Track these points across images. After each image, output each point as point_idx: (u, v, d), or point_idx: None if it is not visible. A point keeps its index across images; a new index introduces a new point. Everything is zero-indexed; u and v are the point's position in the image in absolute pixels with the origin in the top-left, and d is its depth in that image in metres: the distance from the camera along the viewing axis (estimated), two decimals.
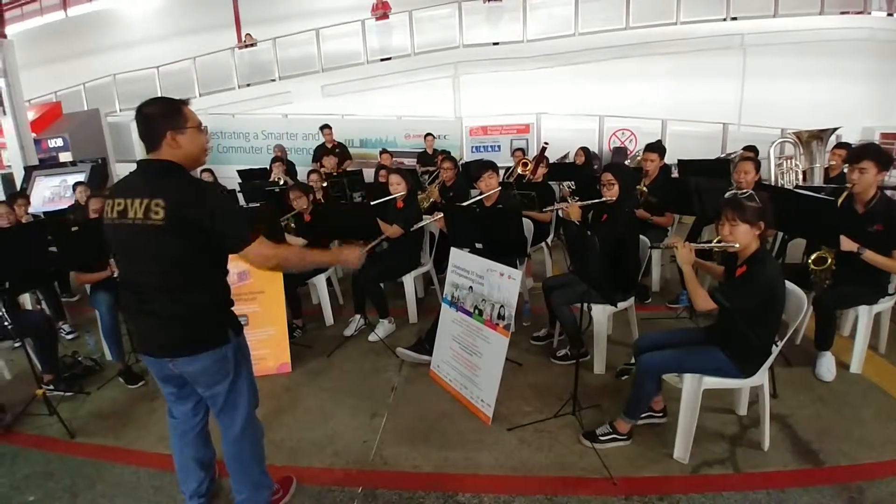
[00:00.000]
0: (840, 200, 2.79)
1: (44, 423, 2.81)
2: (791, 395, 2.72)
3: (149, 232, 1.56)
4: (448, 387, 2.91)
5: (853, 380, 2.87)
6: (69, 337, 4.06)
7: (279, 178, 6.36)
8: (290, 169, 7.39)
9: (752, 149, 5.56)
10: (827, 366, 2.88)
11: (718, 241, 2.25)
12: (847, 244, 2.68)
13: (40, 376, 3.05)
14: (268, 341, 3.32)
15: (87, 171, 7.82)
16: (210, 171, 6.86)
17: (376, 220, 3.62)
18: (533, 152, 8.46)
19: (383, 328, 3.70)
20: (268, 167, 7.01)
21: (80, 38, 13.31)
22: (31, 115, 8.43)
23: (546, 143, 5.79)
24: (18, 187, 7.41)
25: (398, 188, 3.72)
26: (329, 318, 4.03)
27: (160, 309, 1.65)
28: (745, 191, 2.23)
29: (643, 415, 2.43)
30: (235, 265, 3.34)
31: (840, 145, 4.58)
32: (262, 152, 9.08)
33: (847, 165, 2.85)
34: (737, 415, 2.58)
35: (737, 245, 2.15)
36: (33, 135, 8.08)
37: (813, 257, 2.92)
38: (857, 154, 2.77)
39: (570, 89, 9.36)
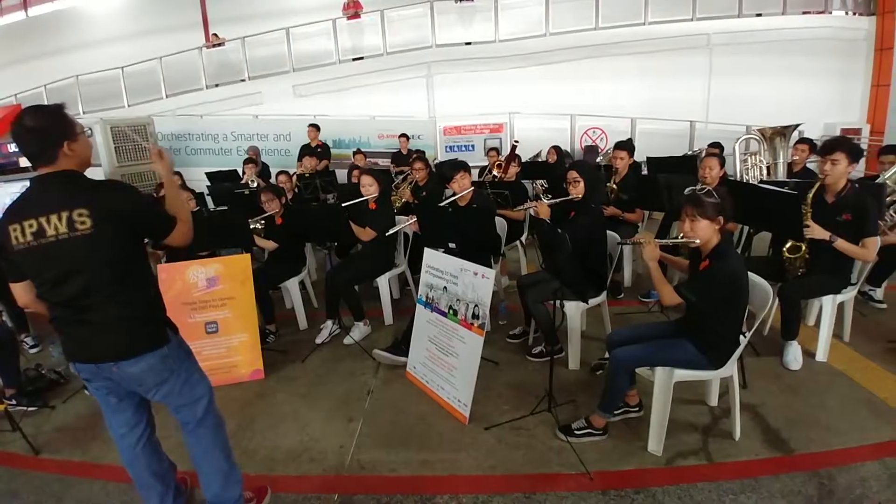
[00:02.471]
0: (813, 192, 2.86)
1: (6, 439, 2.68)
2: (760, 385, 2.79)
3: (79, 242, 1.54)
4: (425, 388, 2.89)
5: (819, 368, 2.96)
6: (33, 350, 3.88)
7: (251, 181, 6.23)
8: (264, 171, 7.26)
9: (717, 145, 5.73)
10: (794, 355, 2.97)
11: (681, 237, 2.29)
12: (819, 233, 2.77)
13: (2, 391, 2.94)
14: (239, 348, 3.24)
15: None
16: (179, 173, 6.65)
17: (348, 223, 3.56)
18: (506, 151, 8.52)
19: (359, 331, 3.65)
20: (239, 169, 6.86)
21: (41, 39, 12.74)
22: None
23: (516, 142, 5.82)
24: None
25: (370, 189, 3.67)
26: (303, 321, 3.95)
27: (101, 316, 1.63)
28: (703, 187, 2.27)
29: (618, 409, 2.46)
30: (205, 270, 3.28)
31: (802, 141, 4.74)
32: (231, 154, 8.88)
33: (819, 157, 2.93)
34: (708, 405, 2.64)
35: (698, 241, 2.19)
36: None
37: (787, 245, 3.00)
38: (830, 146, 2.85)
39: (542, 88, 9.44)
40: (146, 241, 1.87)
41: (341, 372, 3.23)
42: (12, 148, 8.23)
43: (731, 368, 2.29)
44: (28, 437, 2.62)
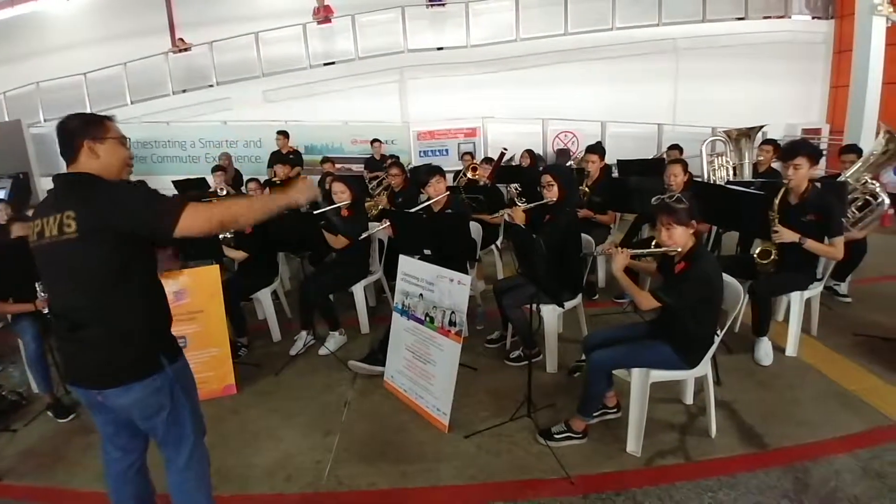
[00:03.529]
0: (779, 196, 2.93)
1: None
2: (733, 382, 2.84)
3: (66, 248, 1.45)
4: (404, 397, 2.84)
5: (790, 363, 3.04)
6: None
7: (220, 189, 6.06)
8: (237, 178, 7.09)
9: (676, 147, 5.86)
10: (765, 350, 3.04)
11: (656, 245, 2.32)
12: (788, 236, 2.84)
13: None
14: (210, 363, 3.13)
15: (7, 186, 7.18)
16: (143, 182, 6.44)
17: (321, 231, 3.49)
18: (481, 156, 8.55)
19: (334, 341, 3.57)
20: (207, 177, 6.67)
21: (0, 45, 12.22)
22: None
23: (505, 149, 5.85)
24: None
25: (342, 196, 3.61)
26: (276, 333, 3.84)
27: (89, 334, 1.51)
28: (671, 194, 2.31)
29: (597, 412, 2.46)
30: (172, 283, 3.15)
31: (767, 142, 4.89)
32: (200, 161, 8.66)
33: (781, 163, 3.01)
34: (684, 404, 2.67)
35: (678, 248, 2.22)
36: None
37: (757, 251, 3.07)
38: (791, 151, 2.94)
39: (514, 93, 9.52)
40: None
41: (317, 384, 3.15)
42: None
43: (705, 367, 2.32)
44: None
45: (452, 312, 2.56)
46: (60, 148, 1.56)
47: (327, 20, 9.75)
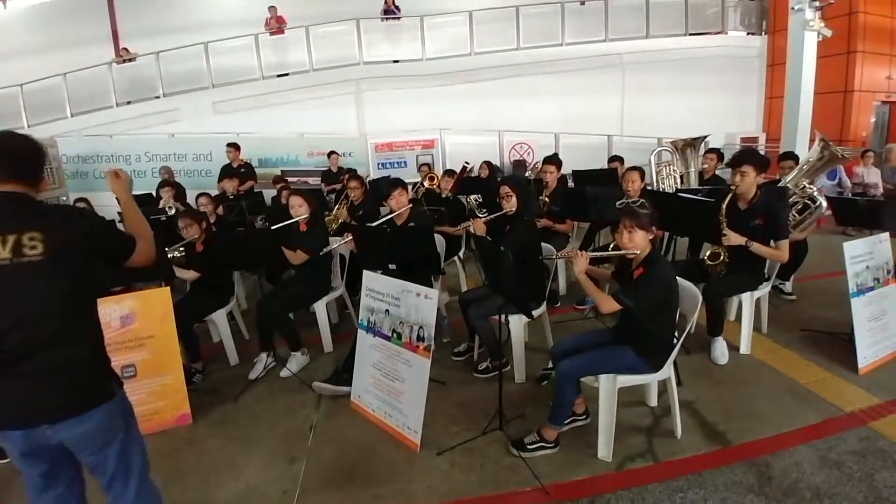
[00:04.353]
0: (726, 202, 3.07)
1: None
2: (694, 382, 2.94)
3: (25, 271, 1.35)
4: (372, 416, 2.76)
5: (744, 360, 3.18)
6: None
7: (169, 206, 5.77)
8: (178, 192, 6.76)
9: (617, 158, 6.11)
10: (720, 350, 3.17)
11: (614, 248, 2.38)
12: (736, 239, 2.98)
13: None
14: (162, 391, 2.92)
15: None
16: (85, 199, 6.06)
17: (279, 247, 3.37)
18: (439, 167, 8.59)
19: (296, 361, 3.44)
20: (154, 193, 6.35)
21: None
22: None
23: (467, 163, 5.90)
24: None
25: (300, 210, 3.51)
26: (234, 356, 3.65)
27: (36, 367, 1.39)
28: (636, 199, 2.39)
29: (567, 420, 2.47)
30: (118, 307, 2.95)
31: (711, 150, 5.15)
32: (146, 176, 8.22)
33: (731, 170, 3.16)
34: (649, 406, 2.73)
35: (637, 251, 2.29)
36: None
37: (707, 254, 3.20)
38: (738, 160, 3.09)
39: (470, 105, 9.69)
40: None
41: (279, 408, 3.00)
42: None
43: (668, 370, 2.38)
44: None
45: (420, 327, 2.51)
46: (26, 164, 1.49)
47: (280, 31, 9.59)
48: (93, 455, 1.53)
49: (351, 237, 3.36)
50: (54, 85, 9.07)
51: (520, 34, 9.73)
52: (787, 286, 4.14)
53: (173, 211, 5.50)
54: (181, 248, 3.64)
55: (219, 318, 3.63)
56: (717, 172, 4.94)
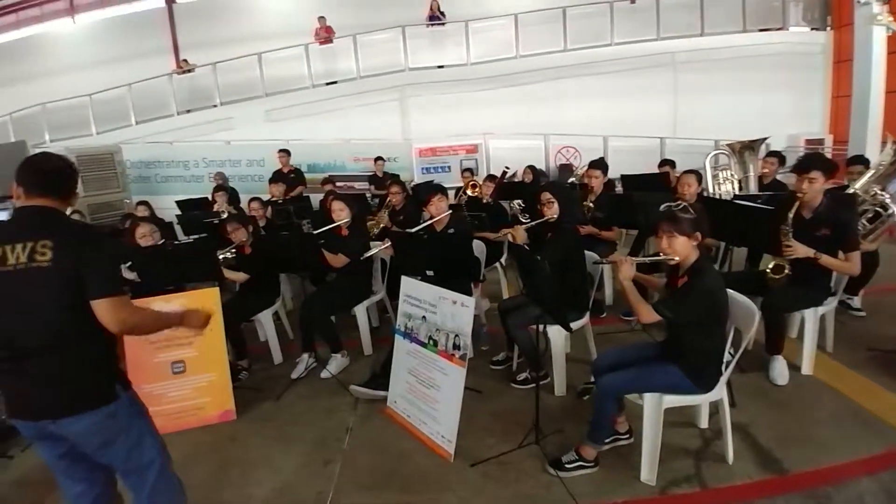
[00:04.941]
0: (792, 211, 2.86)
1: None
2: (748, 403, 2.74)
3: (35, 276, 1.46)
4: (406, 423, 2.75)
5: (805, 381, 2.94)
6: None
7: (222, 210, 6.04)
8: (232, 196, 7.07)
9: (668, 162, 5.82)
10: (779, 370, 2.94)
11: (657, 255, 2.25)
12: (803, 251, 2.76)
13: None
14: (207, 388, 3.04)
15: (9, 208, 7.17)
16: (146, 202, 6.44)
17: (320, 251, 3.44)
18: (482, 172, 8.55)
19: (336, 363, 3.49)
20: (209, 196, 6.67)
21: (7, 66, 12.33)
22: None
23: (507, 168, 5.83)
24: None
25: (341, 215, 3.57)
26: (278, 355, 3.76)
27: (41, 369, 1.50)
28: (679, 203, 2.25)
29: (608, 438, 2.37)
30: (169, 305, 3.09)
31: (771, 153, 4.85)
32: (203, 181, 8.69)
33: (795, 176, 2.94)
34: (698, 428, 2.57)
35: (676, 258, 2.16)
36: None
37: (771, 266, 2.99)
38: (806, 164, 2.87)
39: (515, 109, 9.58)
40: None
41: (318, 409, 3.06)
42: None
43: (720, 391, 2.23)
44: None
45: (456, 336, 2.48)
46: (56, 182, 1.59)
47: (328, 40, 9.87)
48: (96, 450, 1.60)
49: (388, 244, 3.38)
50: (120, 95, 9.75)
51: (566, 35, 9.54)
52: (856, 301, 3.80)
53: (226, 214, 5.75)
54: (232, 251, 3.79)
55: (264, 318, 3.75)
56: (778, 177, 4.63)
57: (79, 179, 1.69)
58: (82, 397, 1.54)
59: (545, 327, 2.69)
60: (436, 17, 9.79)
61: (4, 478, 2.62)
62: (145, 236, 3.69)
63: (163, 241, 3.65)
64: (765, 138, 5.06)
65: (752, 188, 4.76)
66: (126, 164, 8.35)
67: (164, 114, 9.83)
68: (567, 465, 2.29)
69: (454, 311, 2.51)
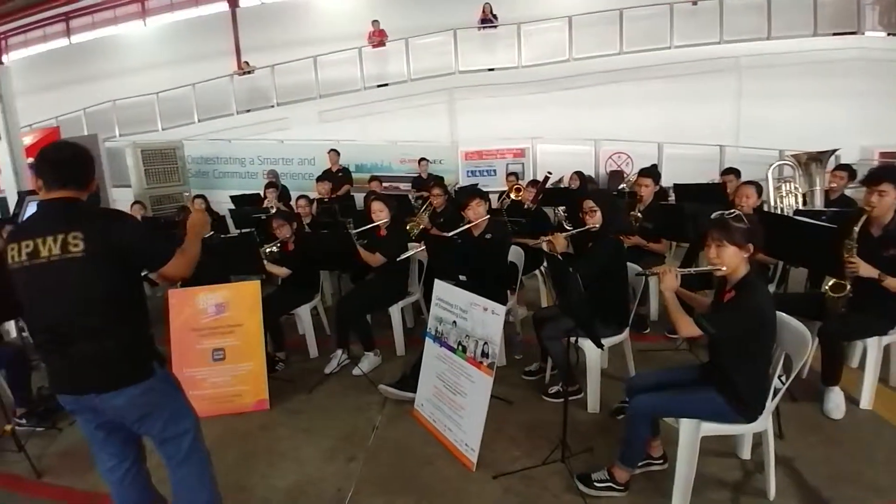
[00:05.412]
0: (858, 225, 2.63)
1: (11, 459, 2.65)
2: (798, 435, 2.53)
3: (69, 266, 1.55)
4: (432, 427, 2.73)
5: (863, 416, 2.69)
6: None
7: (271, 206, 6.28)
8: (283, 194, 7.33)
9: (733, 171, 5.42)
10: (835, 402, 2.70)
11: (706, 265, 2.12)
12: (866, 270, 2.53)
13: (11, 410, 2.93)
14: (245, 377, 3.16)
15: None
16: (203, 196, 6.80)
17: (356, 250, 3.48)
18: (529, 176, 8.42)
19: (368, 361, 3.53)
20: (261, 193, 6.95)
21: (82, 65, 13.48)
22: (28, 141, 8.41)
23: (549, 173, 5.71)
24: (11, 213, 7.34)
25: (380, 215, 3.61)
26: (314, 349, 3.86)
27: (84, 350, 1.60)
28: (731, 211, 2.09)
29: (641, 462, 2.25)
30: (213, 296, 3.24)
31: (840, 167, 4.48)
32: (257, 178, 9.05)
33: (865, 189, 2.71)
34: (739, 458, 2.40)
35: (724, 268, 2.02)
36: (30, 160, 8.05)
37: (830, 283, 2.76)
38: (877, 176, 2.64)
39: (565, 113, 9.36)
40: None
41: (347, 405, 3.11)
42: None
43: (765, 422, 2.07)
44: (32, 460, 2.59)
45: (485, 343, 2.45)
46: (71, 173, 1.65)
47: (381, 44, 10.06)
48: (135, 422, 1.71)
49: (422, 247, 3.38)
50: (184, 94, 10.36)
51: (623, 37, 9.24)
52: None
53: (274, 210, 5.97)
54: (277, 246, 3.93)
55: (303, 312, 3.86)
56: (847, 192, 4.27)
57: (93, 165, 1.73)
58: (123, 374, 1.64)
59: (577, 340, 2.60)
60: (488, 20, 9.76)
61: (53, 449, 2.82)
62: None
63: (211, 233, 3.81)
64: (834, 150, 4.67)
65: (818, 203, 4.41)
66: (187, 159, 8.84)
67: (224, 112, 10.35)
68: (596, 483, 2.20)
69: (485, 318, 2.47)
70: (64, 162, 1.65)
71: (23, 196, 7.66)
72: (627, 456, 2.17)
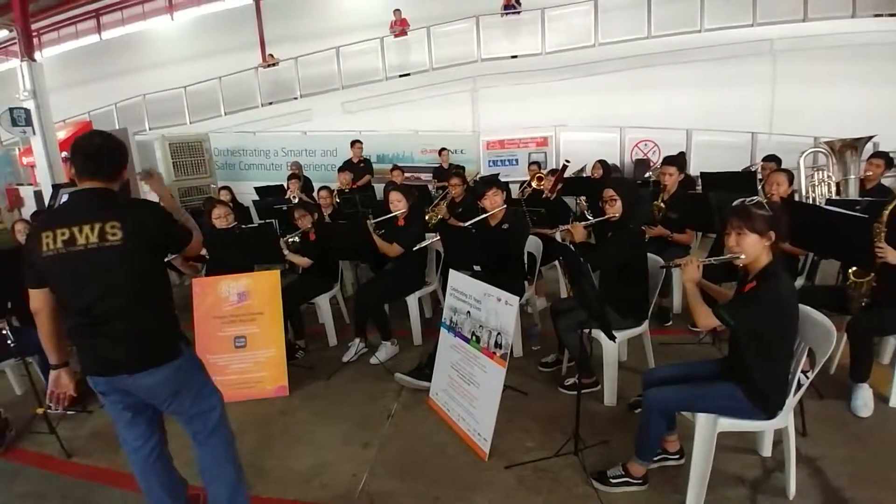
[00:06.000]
0: (889, 209, 2.52)
1: (43, 440, 2.79)
2: (822, 433, 2.45)
3: (106, 254, 1.61)
4: (446, 416, 2.76)
5: (893, 415, 2.58)
6: None
7: (294, 196, 6.37)
8: (306, 185, 7.43)
9: (773, 158, 5.19)
10: (863, 399, 2.60)
11: (724, 254, 2.05)
12: (893, 256, 2.42)
13: (44, 394, 3.06)
14: (266, 363, 3.24)
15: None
16: (228, 188, 6.94)
17: (372, 239, 3.51)
18: (552, 165, 8.30)
19: (385, 350, 3.57)
20: (284, 184, 7.05)
21: (112, 60, 13.92)
22: (62, 135, 8.74)
23: (567, 161, 5.60)
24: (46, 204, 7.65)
25: (398, 206, 3.62)
26: (333, 338, 3.93)
27: (118, 330, 1.67)
28: (753, 198, 2.01)
29: (657, 456, 2.22)
30: (235, 284, 3.32)
31: (877, 154, 4.26)
32: (281, 169, 9.21)
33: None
34: (759, 456, 2.34)
35: (743, 256, 1.94)
36: (64, 153, 8.37)
37: (853, 269, 2.65)
38: None
39: (590, 101, 9.15)
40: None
41: (363, 393, 3.16)
42: None
43: (785, 419, 2.01)
44: (62, 441, 2.72)
45: (499, 334, 2.44)
46: (100, 164, 1.70)
47: (403, 33, 10.01)
48: (165, 400, 1.79)
49: (438, 237, 3.38)
50: (211, 87, 10.56)
51: (651, 21, 8.94)
52: None
53: (297, 200, 6.06)
54: (298, 236, 3.99)
55: (322, 301, 3.92)
56: (885, 181, 4.07)
57: (125, 154, 1.77)
58: (153, 354, 1.72)
59: (590, 332, 2.57)
60: (511, 6, 9.59)
61: (83, 430, 2.94)
62: (220, 217, 3.95)
63: (234, 223, 3.90)
64: (870, 137, 4.44)
65: (852, 192, 4.22)
66: (213, 151, 9.04)
67: (249, 105, 10.52)
68: (612, 480, 2.18)
69: (498, 308, 2.47)
70: (91, 155, 1.69)
71: (57, 189, 7.98)
72: (642, 450, 2.14)
